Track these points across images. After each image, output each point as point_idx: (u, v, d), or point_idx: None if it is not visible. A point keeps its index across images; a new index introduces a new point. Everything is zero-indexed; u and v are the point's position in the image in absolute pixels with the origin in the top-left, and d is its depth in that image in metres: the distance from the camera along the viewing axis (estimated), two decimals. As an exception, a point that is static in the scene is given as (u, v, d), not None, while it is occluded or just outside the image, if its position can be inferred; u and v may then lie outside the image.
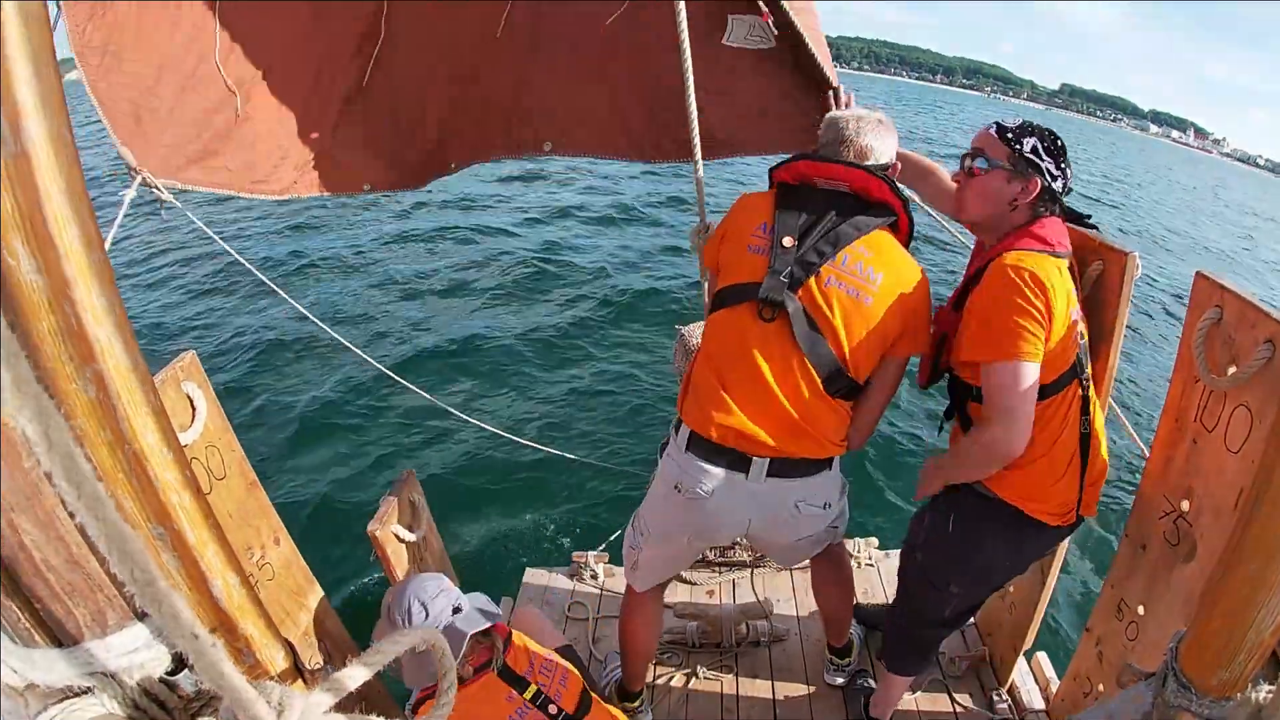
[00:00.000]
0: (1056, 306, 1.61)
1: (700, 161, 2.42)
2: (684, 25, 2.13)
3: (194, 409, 1.58)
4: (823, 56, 2.47)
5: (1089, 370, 1.78)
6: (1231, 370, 1.63)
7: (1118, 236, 2.27)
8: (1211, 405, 1.68)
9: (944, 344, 1.84)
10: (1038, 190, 1.72)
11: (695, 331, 3.02)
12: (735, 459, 1.81)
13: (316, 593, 1.97)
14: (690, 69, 2.22)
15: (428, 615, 1.68)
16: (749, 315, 1.77)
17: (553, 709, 1.74)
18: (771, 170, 1.89)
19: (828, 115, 1.94)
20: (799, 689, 2.61)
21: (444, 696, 0.89)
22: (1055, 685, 2.50)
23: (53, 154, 0.45)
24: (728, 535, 2.04)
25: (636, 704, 2.42)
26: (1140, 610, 1.94)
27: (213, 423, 1.61)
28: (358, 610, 3.61)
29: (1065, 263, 1.71)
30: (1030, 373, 1.61)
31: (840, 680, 2.63)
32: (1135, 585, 1.97)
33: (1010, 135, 1.74)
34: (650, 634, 2.28)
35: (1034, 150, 1.72)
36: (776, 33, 2.43)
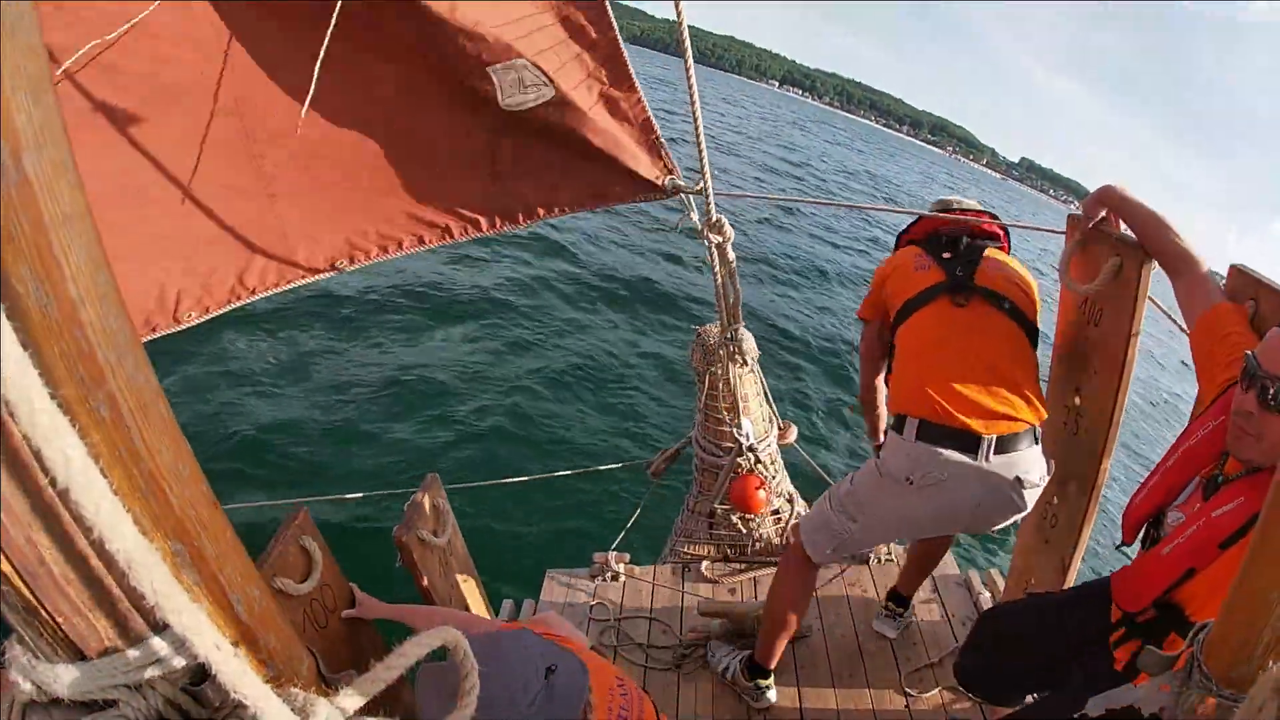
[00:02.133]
0: None
1: (706, 159, 2.40)
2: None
3: (310, 560, 1.75)
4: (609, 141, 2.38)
5: None
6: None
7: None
8: None
9: (1187, 576, 1.47)
10: None
11: (711, 331, 3.03)
12: (966, 441, 1.97)
13: (408, 687, 2.03)
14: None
15: (524, 687, 1.37)
16: (945, 307, 2.14)
17: None
18: (901, 235, 2.50)
19: (938, 199, 2.47)
20: (825, 685, 2.60)
21: (467, 697, 0.89)
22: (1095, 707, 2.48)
23: (55, 180, 0.46)
24: (953, 523, 2.18)
25: (769, 681, 2.53)
26: None
27: (327, 568, 1.78)
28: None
29: None
30: None
31: (891, 631, 2.81)
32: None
33: None
34: (804, 609, 2.45)
35: None
36: (550, 76, 2.24)
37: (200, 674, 0.70)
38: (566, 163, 2.36)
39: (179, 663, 0.65)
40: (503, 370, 7.37)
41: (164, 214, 2.12)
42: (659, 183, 2.51)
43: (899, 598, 2.84)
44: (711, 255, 2.72)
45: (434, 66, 2.17)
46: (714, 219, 2.61)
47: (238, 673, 0.61)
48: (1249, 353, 1.37)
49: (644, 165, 2.50)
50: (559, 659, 1.42)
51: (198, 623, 0.59)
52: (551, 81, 2.24)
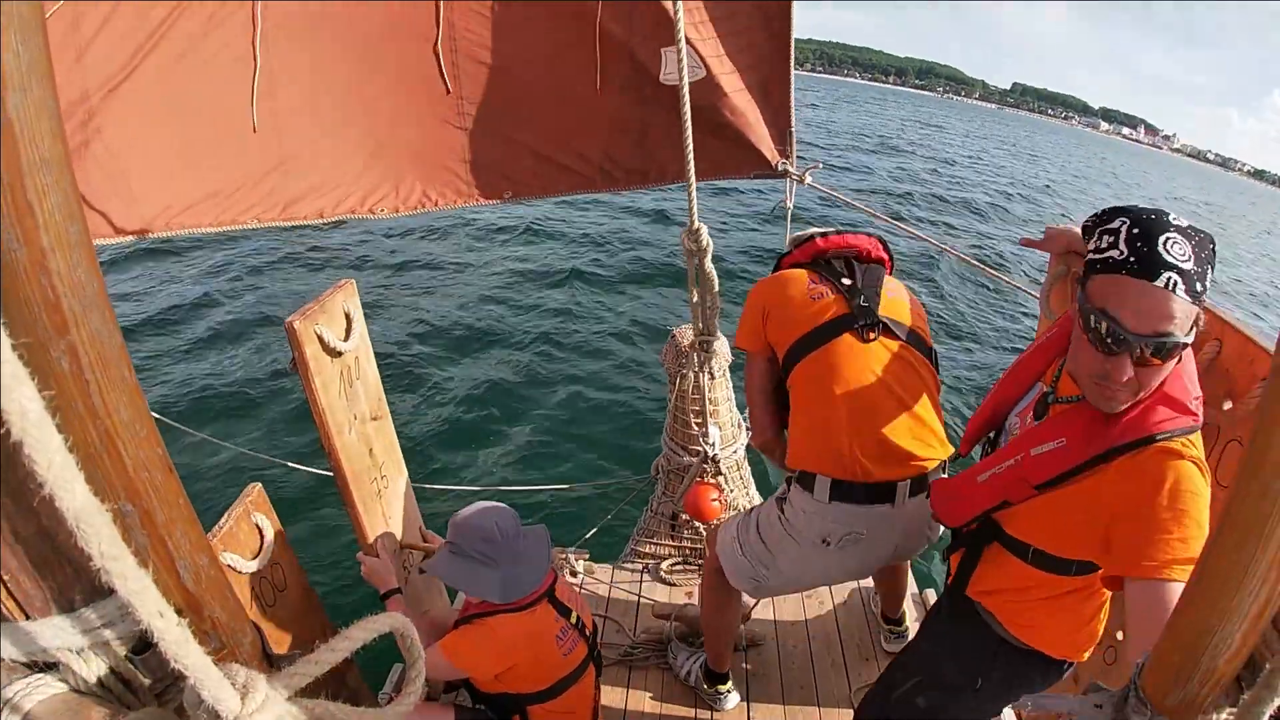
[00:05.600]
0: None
1: (693, 168, 2.43)
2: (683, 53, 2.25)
3: (262, 537, 1.72)
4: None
5: None
6: (1227, 405, 1.62)
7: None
8: (1204, 438, 1.68)
9: (998, 508, 1.51)
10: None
11: (686, 332, 3.03)
12: (882, 492, 1.89)
13: (355, 670, 1.99)
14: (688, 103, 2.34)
15: (502, 541, 1.89)
16: (849, 343, 1.92)
17: (586, 632, 2.05)
18: (782, 257, 2.20)
19: (794, 236, 2.22)
20: (775, 699, 2.61)
21: (412, 685, 0.88)
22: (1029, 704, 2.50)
23: (37, 123, 0.44)
24: (870, 569, 2.12)
25: (728, 686, 2.53)
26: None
27: (278, 545, 1.75)
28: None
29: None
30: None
31: (899, 647, 2.76)
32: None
33: (1200, 285, 1.18)
34: (737, 614, 2.42)
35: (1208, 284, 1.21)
36: (705, 60, 2.63)
37: (144, 642, 0.69)
38: (697, 136, 2.55)
39: (123, 629, 0.64)
40: (486, 364, 7.32)
41: (380, 128, 2.58)
42: (772, 163, 2.90)
43: (891, 620, 2.82)
44: (690, 264, 2.73)
45: (618, 42, 2.61)
46: (694, 227, 2.61)
47: (179, 642, 0.60)
48: (1098, 309, 1.22)
49: (766, 146, 2.89)
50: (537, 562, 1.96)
51: (142, 588, 0.57)
52: (705, 64, 2.64)
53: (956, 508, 1.60)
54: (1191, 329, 1.19)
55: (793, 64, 2.77)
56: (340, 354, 1.88)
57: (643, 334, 8.28)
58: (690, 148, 2.44)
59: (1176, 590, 1.12)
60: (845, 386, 1.89)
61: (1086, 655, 1.61)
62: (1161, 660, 0.79)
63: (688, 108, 2.35)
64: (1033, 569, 1.48)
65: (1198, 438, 1.28)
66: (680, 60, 2.24)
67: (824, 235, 2.09)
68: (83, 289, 0.51)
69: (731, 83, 2.74)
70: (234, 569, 1.62)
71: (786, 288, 2.04)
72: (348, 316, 1.95)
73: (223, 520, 1.63)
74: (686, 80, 2.31)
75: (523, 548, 1.93)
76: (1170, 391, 1.26)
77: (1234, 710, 0.75)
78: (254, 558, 1.69)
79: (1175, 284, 1.15)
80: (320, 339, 1.78)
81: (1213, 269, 1.20)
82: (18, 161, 0.44)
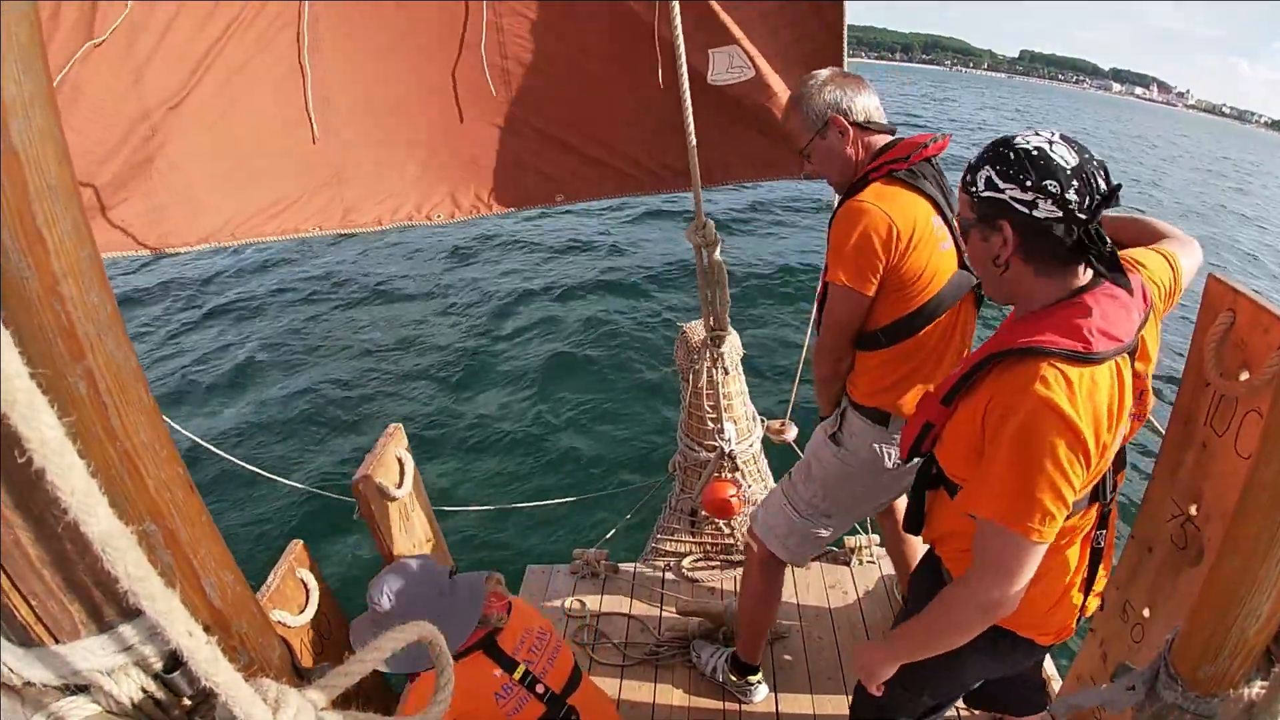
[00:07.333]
0: (1094, 459, 1.24)
1: (696, 162, 2.44)
2: (680, 38, 2.30)
3: (307, 591, 1.81)
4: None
5: (1114, 482, 1.45)
6: (1244, 376, 1.60)
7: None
8: (1223, 410, 1.66)
9: (927, 432, 1.52)
10: (1014, 238, 1.25)
11: (696, 329, 3.03)
12: None
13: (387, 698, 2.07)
14: (688, 92, 2.40)
15: (418, 601, 1.69)
16: (961, 304, 1.93)
17: (540, 688, 1.74)
18: (882, 157, 1.86)
19: (809, 87, 1.90)
20: (802, 689, 2.61)
21: (442, 693, 0.89)
22: (1057, 684, 2.49)
23: (42, 151, 0.45)
24: (904, 489, 2.17)
25: (759, 677, 2.54)
26: (1145, 613, 1.92)
27: (322, 597, 1.85)
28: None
29: (1108, 366, 1.26)
30: (1041, 553, 1.27)
31: None
32: (1141, 587, 1.96)
33: (968, 179, 1.29)
34: (776, 609, 2.43)
35: (989, 184, 1.24)
36: (753, 59, 2.64)
37: (174, 661, 0.69)
38: (746, 136, 2.61)
39: (153, 649, 0.64)
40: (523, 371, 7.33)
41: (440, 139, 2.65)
42: None
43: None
44: (699, 259, 2.73)
45: (664, 44, 2.56)
46: (701, 221, 2.62)
47: (209, 660, 0.60)
48: None
49: None
50: (460, 573, 1.82)
51: (170, 608, 0.57)
52: (753, 63, 2.65)
53: (904, 437, 1.62)
54: (969, 224, 1.32)
55: (845, 57, 2.73)
56: (397, 499, 2.05)
57: (650, 331, 8.27)
58: (693, 141, 2.46)
59: (1006, 540, 1.24)
60: (948, 348, 1.95)
61: (1048, 637, 1.55)
62: (1191, 634, 0.78)
63: (689, 103, 2.37)
64: (950, 499, 1.49)
65: (1084, 377, 1.22)
66: (679, 58, 2.27)
67: (932, 138, 1.87)
68: (96, 313, 0.51)
69: (780, 83, 2.73)
70: (284, 624, 1.71)
71: (918, 222, 1.80)
72: (400, 462, 2.13)
73: (270, 579, 1.73)
74: (686, 79, 2.35)
75: (441, 607, 1.69)
76: (1072, 318, 1.26)
77: (1265, 683, 0.75)
78: (301, 611, 1.79)
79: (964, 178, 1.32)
80: (382, 491, 1.97)
81: (990, 166, 1.26)
82: (25, 190, 0.44)
